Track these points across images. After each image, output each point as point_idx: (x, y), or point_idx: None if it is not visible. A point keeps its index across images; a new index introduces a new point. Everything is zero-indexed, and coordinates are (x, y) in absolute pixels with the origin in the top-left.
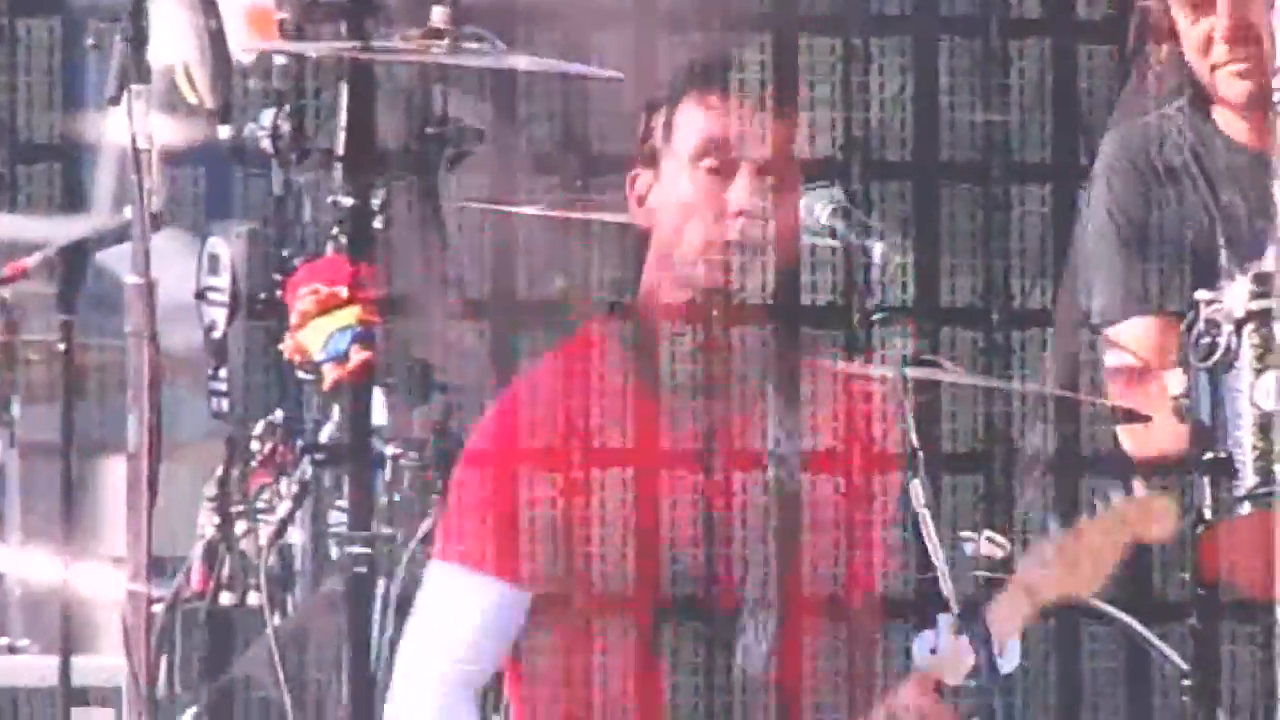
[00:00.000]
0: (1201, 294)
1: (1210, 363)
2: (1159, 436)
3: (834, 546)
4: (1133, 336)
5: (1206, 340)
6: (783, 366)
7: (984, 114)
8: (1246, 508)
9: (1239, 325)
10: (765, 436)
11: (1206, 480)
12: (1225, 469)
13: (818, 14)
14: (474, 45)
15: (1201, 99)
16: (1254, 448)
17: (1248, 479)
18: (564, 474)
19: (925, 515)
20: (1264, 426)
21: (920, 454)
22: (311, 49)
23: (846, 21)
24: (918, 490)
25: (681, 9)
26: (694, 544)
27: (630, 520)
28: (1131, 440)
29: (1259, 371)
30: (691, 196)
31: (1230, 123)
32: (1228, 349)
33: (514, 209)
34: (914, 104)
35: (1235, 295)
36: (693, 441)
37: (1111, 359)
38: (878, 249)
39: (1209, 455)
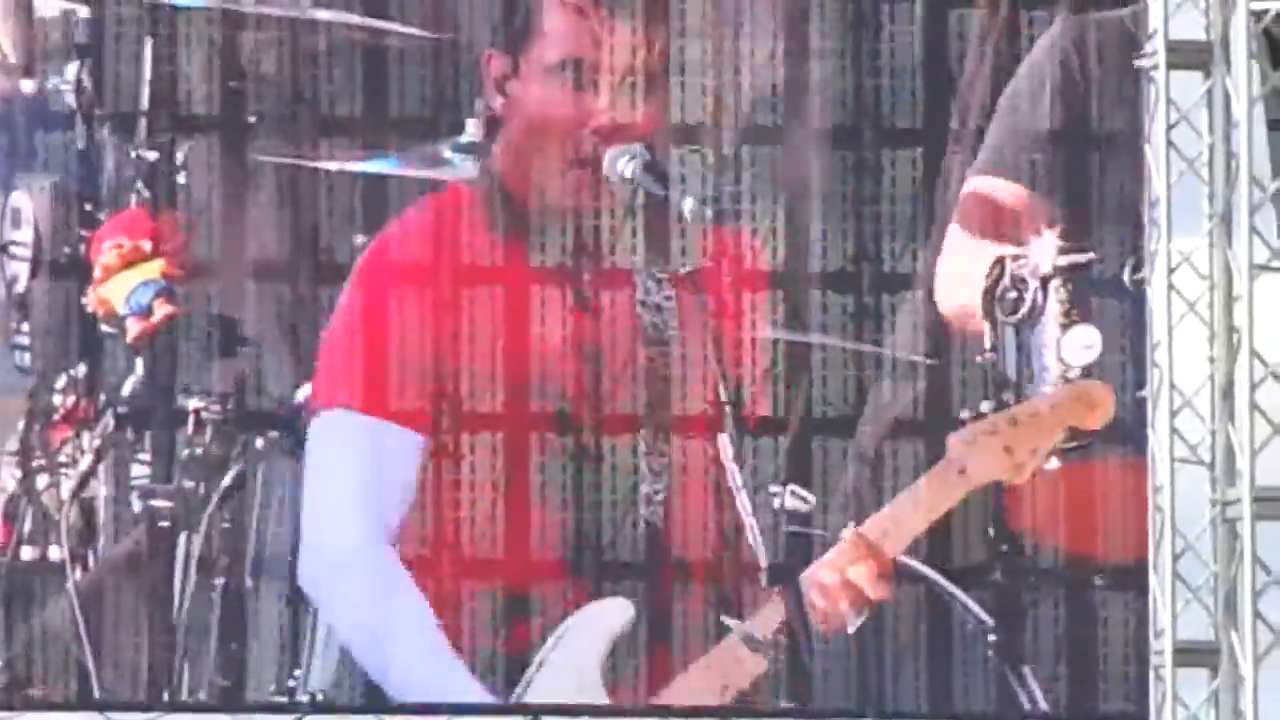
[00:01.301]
0: (1007, 249)
1: (1017, 318)
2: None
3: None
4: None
5: (1013, 295)
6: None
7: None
8: (1054, 462)
9: (1045, 281)
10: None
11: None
12: None
13: None
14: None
15: None
16: None
17: None
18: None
19: (733, 470)
20: (1070, 381)
21: (729, 408)
22: None
23: None
24: (724, 444)
25: None
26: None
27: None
28: (941, 297)
29: (1065, 327)
30: (550, 106)
31: None
32: (1034, 305)
33: (317, 164)
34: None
35: (1042, 251)
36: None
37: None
38: (688, 203)
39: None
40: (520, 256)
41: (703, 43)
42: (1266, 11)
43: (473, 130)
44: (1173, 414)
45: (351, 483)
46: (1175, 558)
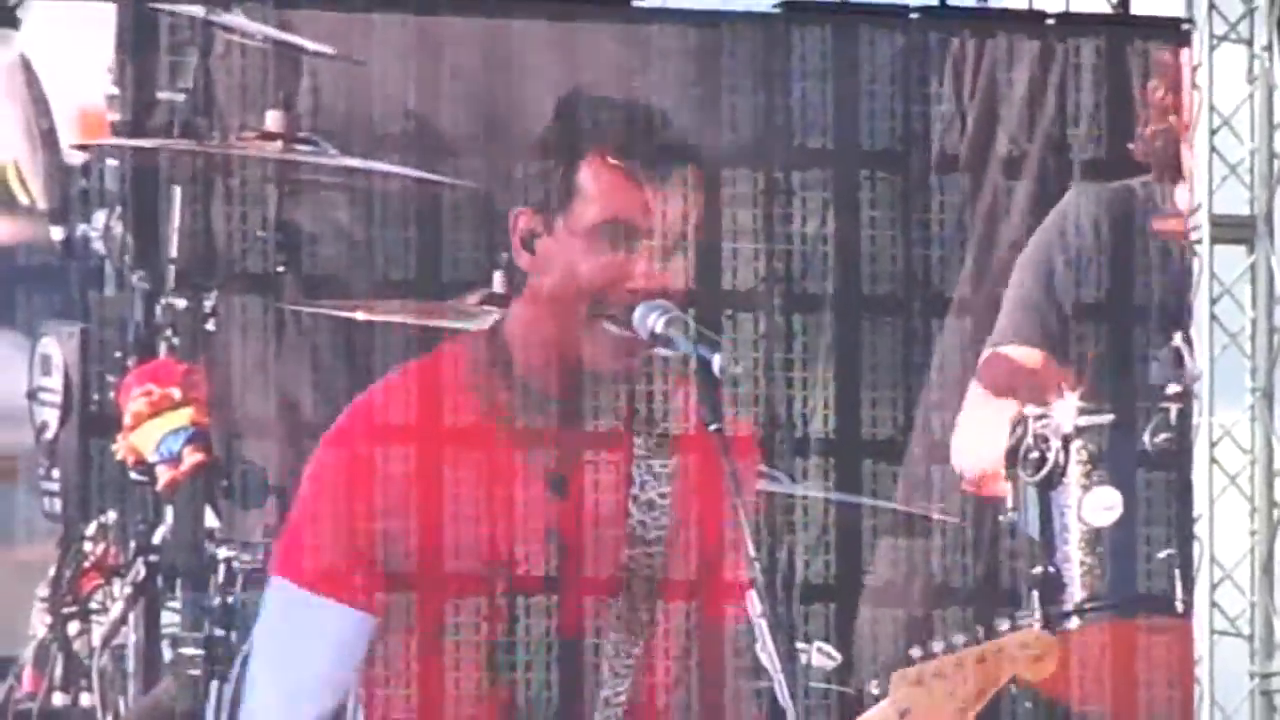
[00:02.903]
0: (1030, 409)
1: (1038, 477)
2: (985, 456)
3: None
4: (1019, 358)
5: (1035, 455)
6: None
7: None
8: (1075, 622)
9: (1066, 441)
10: (628, 477)
11: (1036, 595)
12: (1054, 584)
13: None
14: (306, 149)
15: (1173, 172)
16: (1081, 563)
17: (1075, 594)
18: (414, 494)
19: (762, 625)
20: (1091, 542)
21: (757, 564)
22: (146, 144)
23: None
24: (754, 599)
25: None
26: (542, 574)
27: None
28: (961, 456)
29: (1086, 487)
30: (585, 268)
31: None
32: (1056, 464)
33: (353, 315)
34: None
35: (1063, 411)
36: (544, 471)
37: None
38: (716, 359)
39: (1038, 570)
40: (503, 431)
41: (753, 210)
42: None
43: (499, 282)
44: (1213, 587)
45: (275, 660)
46: None
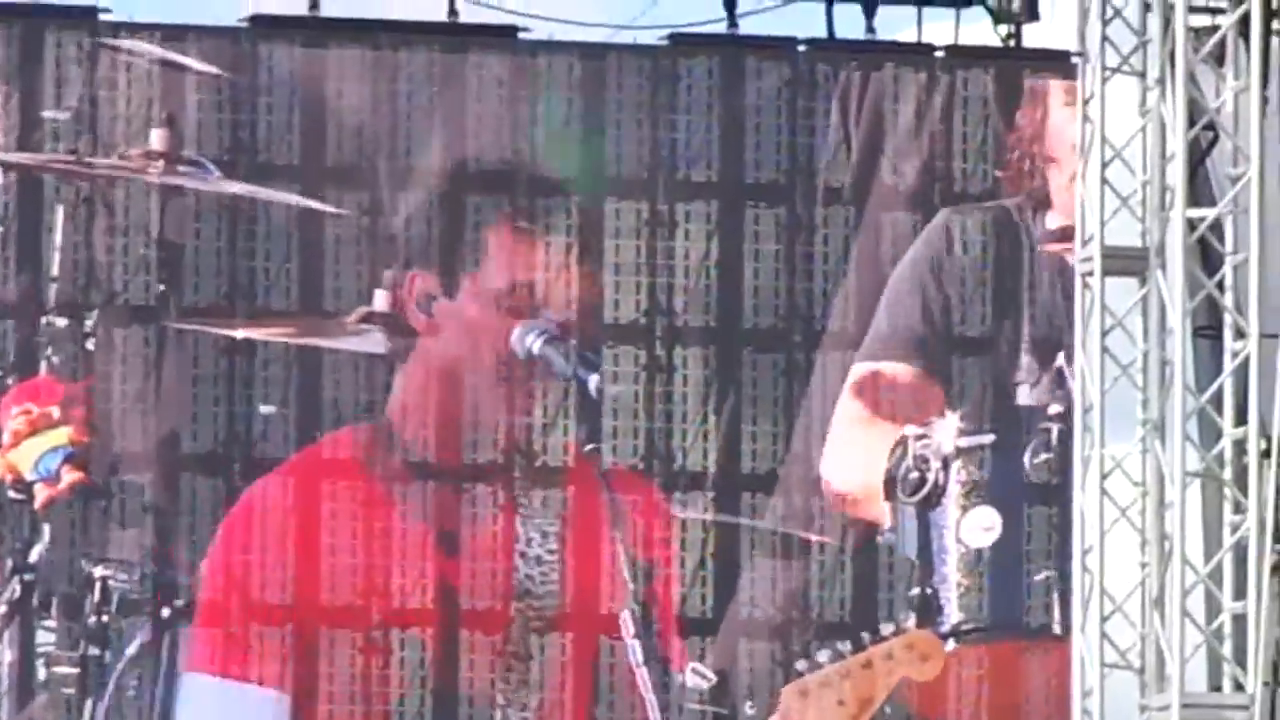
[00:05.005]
0: (910, 429)
1: (918, 498)
2: (860, 477)
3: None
4: (892, 373)
5: (915, 475)
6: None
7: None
8: (951, 644)
9: (946, 462)
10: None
11: (913, 617)
12: (930, 605)
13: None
14: (188, 169)
15: (1042, 200)
16: (959, 584)
17: (953, 615)
18: (301, 578)
19: (635, 646)
20: (969, 563)
21: (632, 587)
22: (27, 161)
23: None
24: (627, 621)
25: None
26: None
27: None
28: (834, 477)
29: (965, 508)
30: (485, 331)
31: (1062, 233)
32: (935, 485)
33: (233, 333)
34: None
35: (944, 431)
36: (439, 536)
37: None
38: (593, 380)
39: (915, 592)
40: (391, 503)
41: (636, 243)
42: (1203, 219)
43: (381, 300)
44: (1104, 619)
45: None
46: None
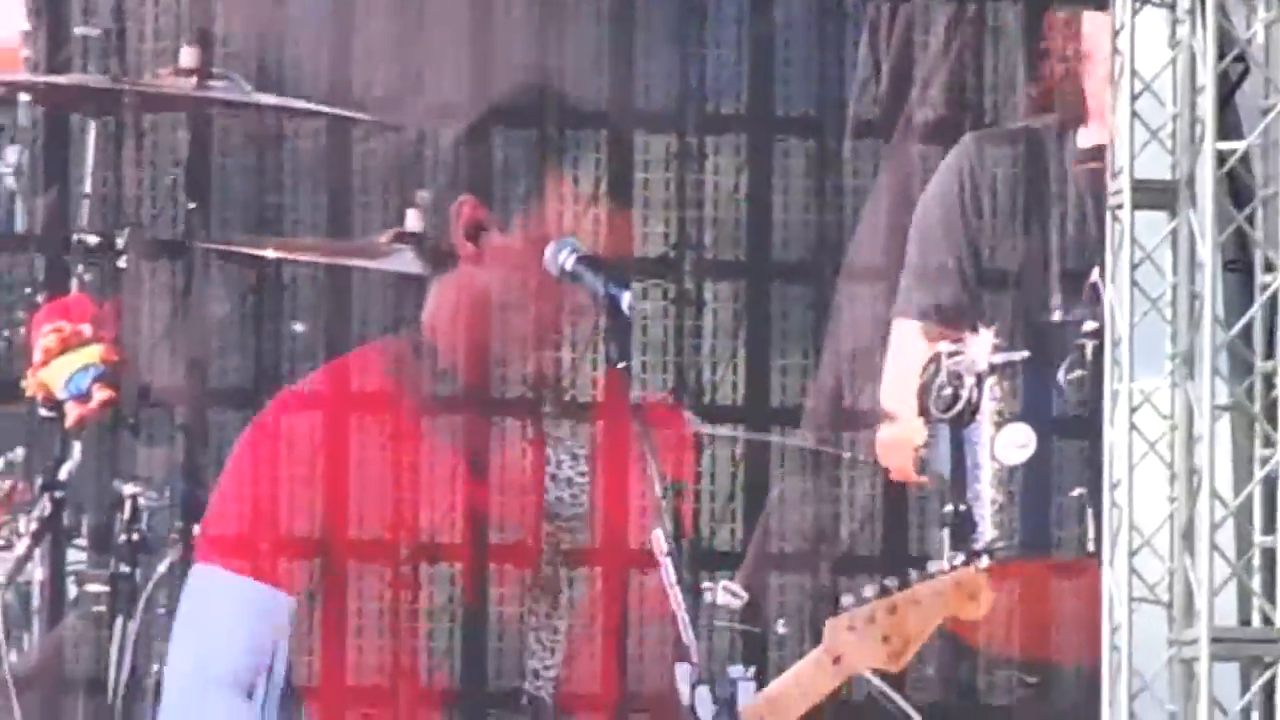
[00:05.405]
0: (943, 346)
1: (951, 414)
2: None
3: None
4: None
5: (948, 392)
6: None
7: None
8: (984, 561)
9: (980, 378)
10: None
11: (946, 533)
12: (965, 523)
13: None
14: (220, 84)
15: (1077, 117)
16: (993, 501)
17: (986, 533)
18: (327, 482)
19: (667, 563)
20: (1003, 480)
21: (664, 502)
22: (59, 80)
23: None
24: (659, 539)
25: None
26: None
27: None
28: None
29: (999, 425)
30: (537, 285)
31: (1096, 151)
32: (969, 401)
33: (258, 252)
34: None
35: (978, 348)
36: (464, 457)
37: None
38: (625, 296)
39: (949, 509)
40: (422, 424)
41: (665, 175)
42: (1233, 152)
43: (413, 220)
44: (1132, 553)
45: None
46: (1132, 697)
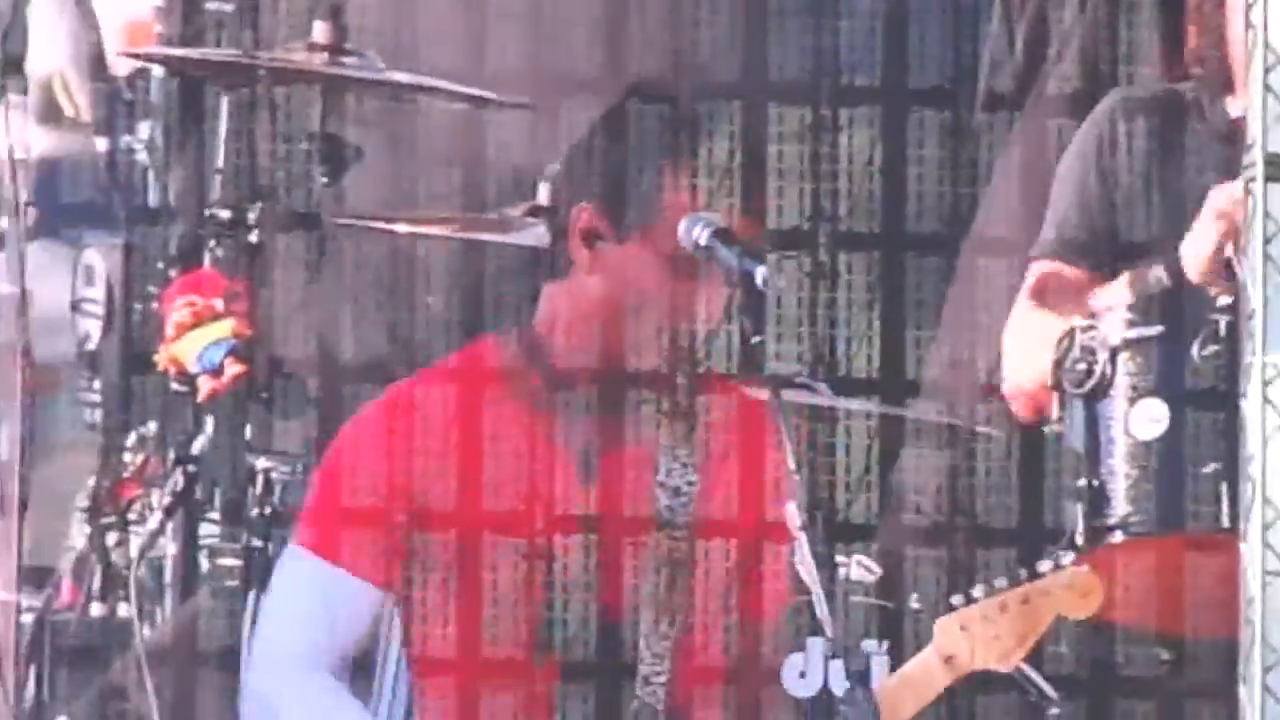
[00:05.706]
0: (1077, 320)
1: (1085, 389)
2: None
3: (725, 576)
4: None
5: (1082, 367)
6: (677, 400)
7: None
8: (1119, 536)
9: (1114, 352)
10: (655, 465)
11: (1080, 508)
12: (1099, 497)
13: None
14: (353, 60)
15: (1221, 84)
16: (1126, 476)
17: (1120, 508)
18: (439, 481)
19: (801, 539)
20: (1136, 455)
21: (797, 478)
22: (192, 55)
23: (815, 91)
24: (793, 514)
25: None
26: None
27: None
28: (1010, 374)
29: (1133, 400)
30: (660, 287)
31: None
32: (1103, 376)
33: (391, 226)
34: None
35: (1111, 322)
36: (578, 460)
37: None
38: (760, 271)
39: (1082, 483)
40: (539, 425)
41: (800, 148)
42: None
43: (544, 194)
44: (1265, 527)
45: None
46: (1265, 671)
